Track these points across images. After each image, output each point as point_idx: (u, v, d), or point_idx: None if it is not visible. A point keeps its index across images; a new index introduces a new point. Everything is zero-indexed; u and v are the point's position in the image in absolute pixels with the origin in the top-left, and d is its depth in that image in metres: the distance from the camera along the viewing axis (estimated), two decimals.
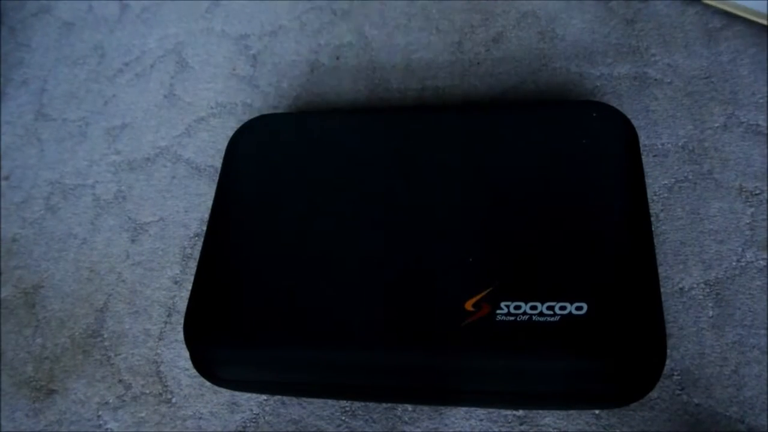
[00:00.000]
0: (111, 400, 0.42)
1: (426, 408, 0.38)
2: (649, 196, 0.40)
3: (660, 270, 0.38)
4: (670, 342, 0.36)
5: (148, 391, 0.42)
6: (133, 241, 0.47)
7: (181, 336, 0.43)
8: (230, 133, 0.43)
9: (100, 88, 0.56)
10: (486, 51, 0.49)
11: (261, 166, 0.40)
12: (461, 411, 0.37)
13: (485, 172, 0.36)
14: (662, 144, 0.43)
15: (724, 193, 0.40)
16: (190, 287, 0.43)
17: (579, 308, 0.30)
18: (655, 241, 0.39)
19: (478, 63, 0.49)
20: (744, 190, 0.40)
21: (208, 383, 0.40)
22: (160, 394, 0.41)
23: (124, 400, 0.42)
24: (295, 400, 0.39)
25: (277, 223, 0.37)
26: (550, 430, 0.36)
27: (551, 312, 0.31)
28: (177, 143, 0.51)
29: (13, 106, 0.57)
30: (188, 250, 0.46)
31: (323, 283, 0.34)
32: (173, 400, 0.41)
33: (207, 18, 0.57)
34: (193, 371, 0.41)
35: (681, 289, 0.38)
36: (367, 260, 0.35)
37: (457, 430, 0.37)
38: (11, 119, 0.57)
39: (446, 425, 0.37)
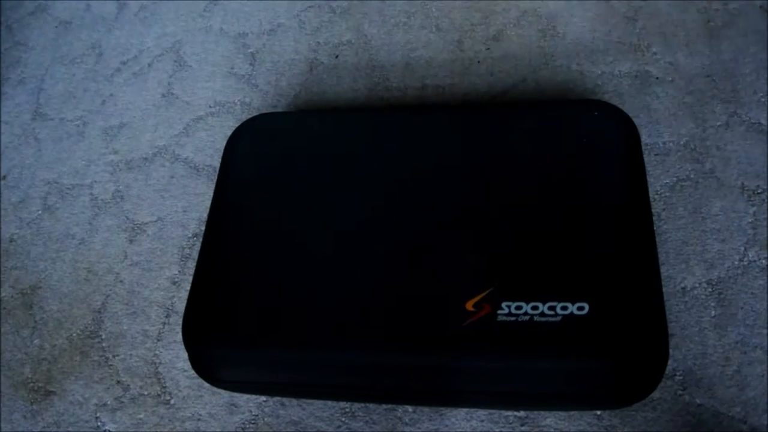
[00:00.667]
0: (109, 402, 0.42)
1: (426, 409, 0.38)
2: (650, 195, 0.40)
3: (662, 269, 0.38)
4: (672, 342, 0.36)
5: (146, 393, 0.41)
6: (131, 241, 0.47)
7: (179, 337, 0.43)
8: (229, 133, 0.43)
9: (98, 88, 0.56)
10: (486, 49, 0.49)
11: (260, 166, 0.40)
12: (462, 412, 0.37)
13: (486, 171, 0.36)
14: (664, 143, 0.42)
15: (726, 192, 0.40)
16: (188, 288, 0.43)
17: (580, 308, 0.30)
18: (657, 240, 0.39)
19: (479, 61, 0.49)
20: (746, 188, 0.40)
21: (206, 384, 0.40)
22: (159, 396, 0.41)
23: (122, 402, 0.41)
24: (294, 401, 0.39)
25: (276, 223, 0.37)
26: (552, 430, 0.36)
27: (552, 312, 0.30)
28: (175, 143, 0.51)
29: (10, 106, 0.57)
30: (187, 251, 0.46)
31: (323, 283, 0.34)
32: (172, 402, 0.41)
33: (205, 16, 0.57)
34: (192, 372, 0.41)
35: (683, 288, 0.38)
36: (367, 260, 0.34)
37: (458, 430, 0.37)
38: (8, 119, 0.56)
39: (447, 426, 0.37)
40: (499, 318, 0.31)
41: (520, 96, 0.46)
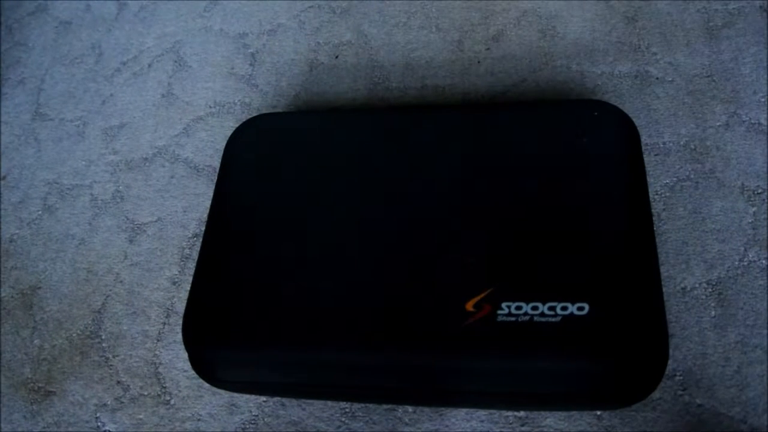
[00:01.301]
0: (109, 402, 0.42)
1: (427, 409, 0.38)
2: (650, 195, 0.40)
3: (662, 270, 0.38)
4: (672, 342, 0.36)
5: (146, 393, 0.41)
6: (131, 241, 0.47)
7: (179, 337, 0.43)
8: (229, 133, 0.43)
9: (98, 88, 0.56)
10: (486, 49, 0.49)
11: (260, 166, 0.40)
12: (462, 412, 0.37)
13: (485, 171, 0.36)
14: (664, 143, 0.42)
15: (726, 192, 0.40)
16: (188, 288, 0.43)
17: (580, 308, 0.30)
18: (657, 240, 0.39)
19: (479, 61, 0.49)
20: (746, 189, 0.40)
21: (206, 385, 0.40)
22: (159, 396, 0.41)
23: (122, 402, 0.41)
24: (294, 401, 0.39)
25: (276, 223, 0.37)
26: (552, 430, 0.36)
27: (552, 312, 0.30)
28: (175, 143, 0.51)
29: (10, 106, 0.57)
30: (186, 251, 0.46)
31: (323, 283, 0.34)
32: (172, 402, 0.41)
33: (205, 17, 0.57)
34: (192, 372, 0.41)
35: (683, 288, 0.38)
36: (367, 260, 0.34)
37: (458, 430, 0.37)
38: (8, 119, 0.56)
39: (447, 426, 0.37)
40: (499, 318, 0.31)
41: (520, 96, 0.46)
